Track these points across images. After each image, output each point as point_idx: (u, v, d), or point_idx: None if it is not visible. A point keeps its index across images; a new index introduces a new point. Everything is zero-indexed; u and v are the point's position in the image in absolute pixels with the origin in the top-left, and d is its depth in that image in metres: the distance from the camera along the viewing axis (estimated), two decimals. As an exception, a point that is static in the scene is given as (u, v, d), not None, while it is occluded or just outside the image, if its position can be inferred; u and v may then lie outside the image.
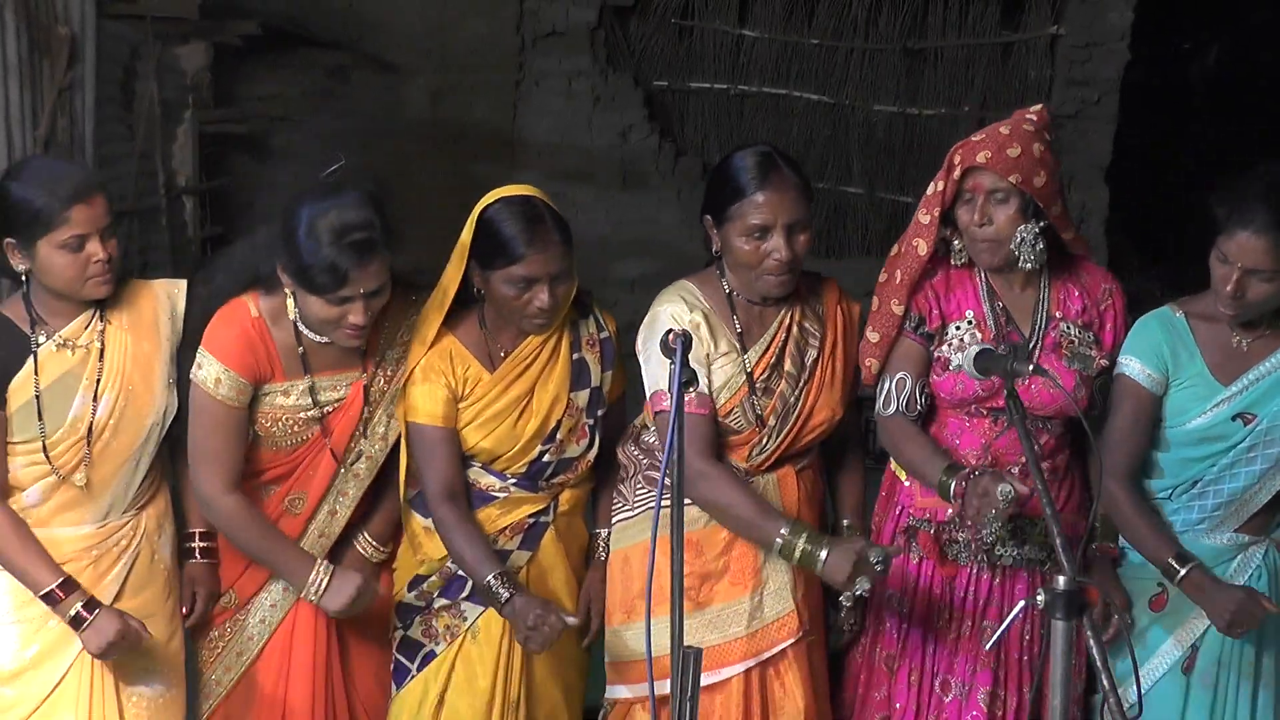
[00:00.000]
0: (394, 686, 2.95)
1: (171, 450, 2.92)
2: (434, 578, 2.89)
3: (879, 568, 2.62)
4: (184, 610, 2.93)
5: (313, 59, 7.03)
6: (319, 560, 2.84)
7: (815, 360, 2.85)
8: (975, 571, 2.87)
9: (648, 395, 2.83)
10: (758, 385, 2.80)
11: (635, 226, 6.92)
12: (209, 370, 2.77)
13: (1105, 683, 2.07)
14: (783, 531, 2.68)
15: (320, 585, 2.80)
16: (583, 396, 2.89)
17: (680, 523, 2.32)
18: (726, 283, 2.85)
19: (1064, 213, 2.80)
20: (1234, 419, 2.80)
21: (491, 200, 2.78)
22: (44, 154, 4.56)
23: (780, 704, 2.83)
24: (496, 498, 2.88)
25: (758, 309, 2.85)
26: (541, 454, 2.86)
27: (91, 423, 2.74)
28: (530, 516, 2.90)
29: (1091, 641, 2.12)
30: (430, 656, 2.90)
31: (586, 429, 2.90)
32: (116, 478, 2.80)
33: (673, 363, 2.32)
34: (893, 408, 2.85)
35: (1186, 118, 8.36)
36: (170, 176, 5.88)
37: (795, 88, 7.19)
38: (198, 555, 2.95)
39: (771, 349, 2.83)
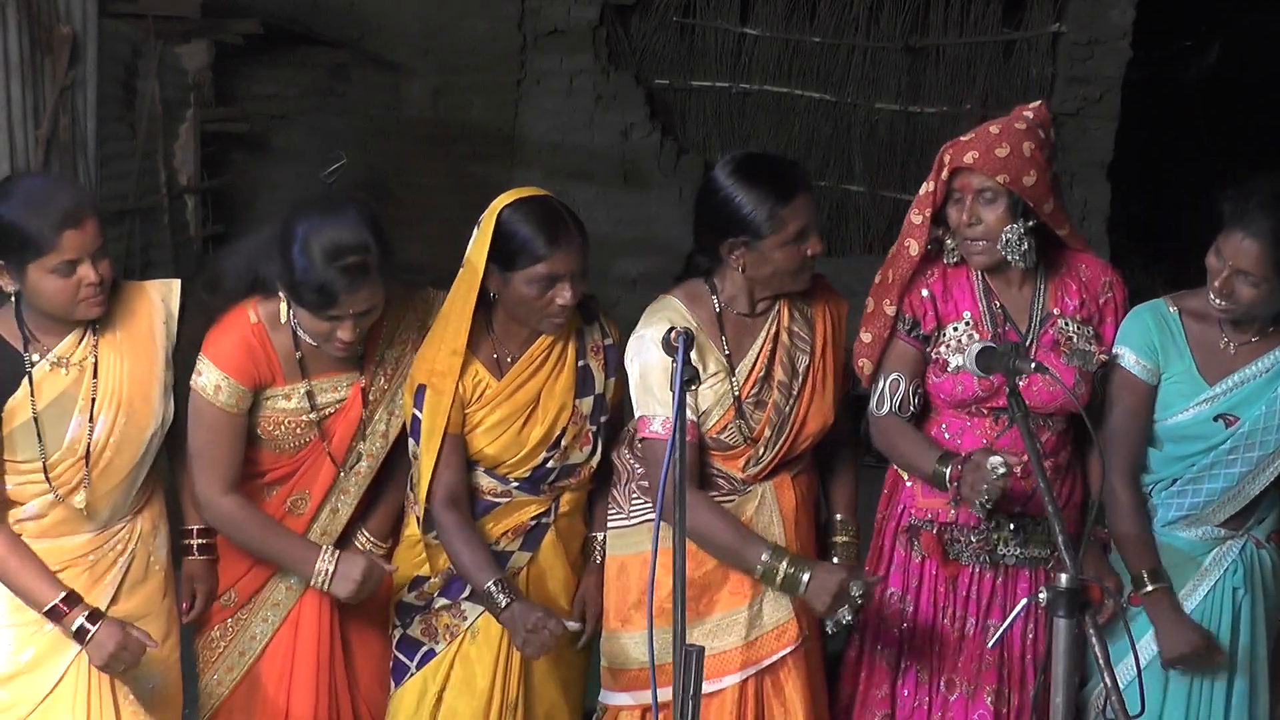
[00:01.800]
0: (393, 684, 2.95)
1: (169, 450, 2.90)
2: (434, 578, 2.89)
3: (859, 599, 2.64)
4: (185, 606, 2.92)
5: (314, 58, 7.04)
6: (324, 548, 2.82)
7: (807, 367, 2.82)
8: (978, 571, 2.86)
9: (635, 417, 2.84)
10: (747, 403, 2.79)
11: (636, 225, 6.93)
12: (209, 377, 2.75)
13: (1107, 681, 2.06)
14: (763, 557, 2.68)
15: (327, 572, 2.78)
16: (587, 403, 2.87)
17: (683, 526, 2.31)
18: (718, 297, 2.82)
19: (1057, 209, 2.78)
20: (1216, 419, 2.80)
21: (507, 202, 2.76)
22: (44, 161, 4.57)
23: (779, 714, 2.83)
24: (499, 503, 2.88)
25: (746, 320, 2.83)
26: (546, 460, 2.85)
27: (89, 443, 2.70)
28: (532, 519, 2.89)
29: (1094, 640, 2.12)
30: (430, 655, 2.89)
31: (590, 436, 2.88)
32: (118, 490, 2.78)
33: (674, 361, 2.32)
34: (886, 408, 2.84)
35: (1188, 115, 8.37)
36: (172, 175, 5.89)
37: (797, 86, 7.20)
38: (195, 552, 2.92)
39: (760, 361, 2.81)
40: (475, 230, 2.79)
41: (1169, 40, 8.14)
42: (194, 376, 2.76)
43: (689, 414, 2.71)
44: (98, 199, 5.03)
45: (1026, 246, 2.74)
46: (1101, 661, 2.09)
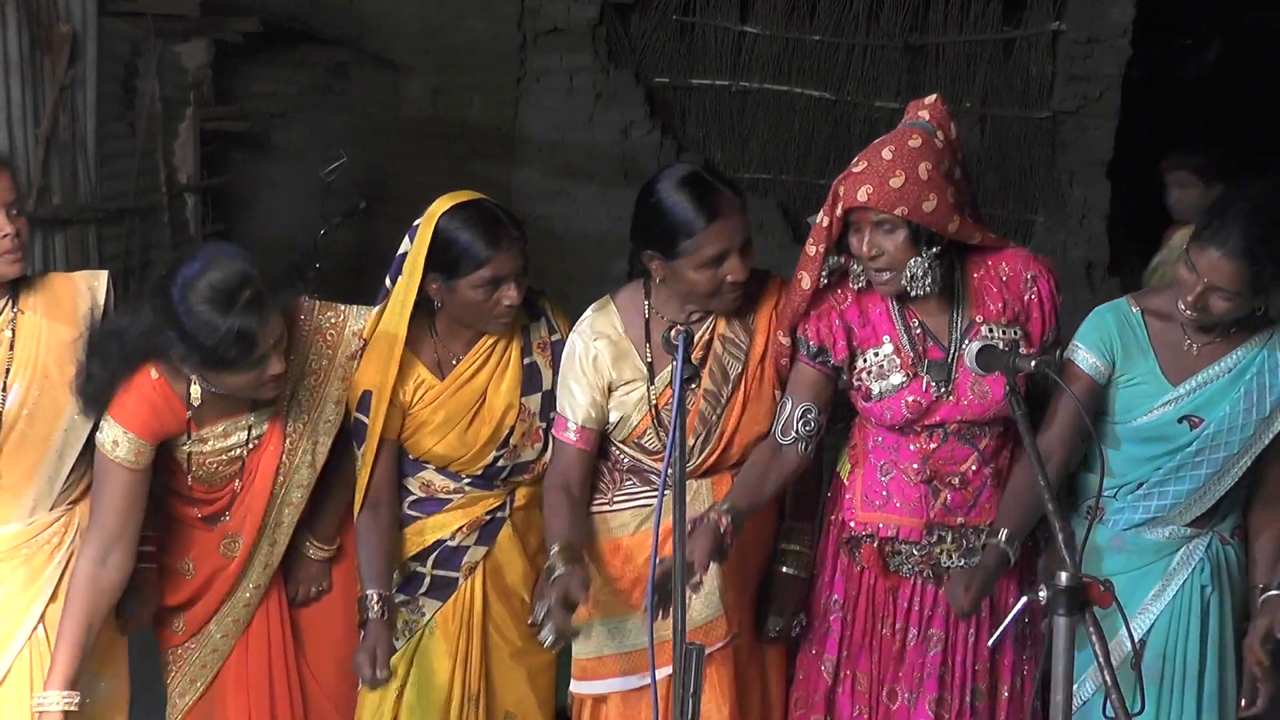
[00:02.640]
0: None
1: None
2: (394, 574, 2.91)
3: (577, 596, 2.59)
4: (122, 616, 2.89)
5: (313, 56, 7.04)
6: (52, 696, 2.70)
7: (739, 374, 2.78)
8: (920, 583, 2.83)
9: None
10: (664, 412, 2.76)
11: (636, 223, 6.93)
12: (107, 433, 2.67)
13: (1106, 679, 2.06)
14: (552, 550, 2.70)
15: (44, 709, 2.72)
16: (535, 401, 2.87)
17: (682, 520, 2.32)
18: (649, 302, 2.79)
19: (963, 222, 2.63)
20: (1180, 421, 2.77)
21: (442, 210, 2.76)
22: (43, 160, 4.56)
23: (706, 708, 2.82)
24: (452, 499, 2.90)
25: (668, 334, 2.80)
26: (496, 459, 2.87)
27: (1, 412, 2.69)
28: (487, 513, 2.92)
29: (1093, 638, 2.11)
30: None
31: (540, 433, 2.89)
32: (38, 470, 2.75)
33: (674, 358, 2.32)
34: (790, 438, 2.75)
35: (1188, 114, 8.36)
36: (171, 173, 5.88)
37: (796, 84, 7.19)
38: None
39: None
40: (408, 238, 2.78)
41: (1169, 38, 8.14)
42: (98, 433, 2.72)
43: (581, 419, 2.76)
44: (98, 198, 5.05)
45: (932, 278, 2.65)
46: (1101, 660, 2.09)
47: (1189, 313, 2.68)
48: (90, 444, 2.79)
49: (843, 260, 2.72)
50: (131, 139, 5.49)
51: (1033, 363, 2.46)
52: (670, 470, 2.67)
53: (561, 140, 7.05)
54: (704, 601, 2.77)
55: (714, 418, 2.77)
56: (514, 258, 2.74)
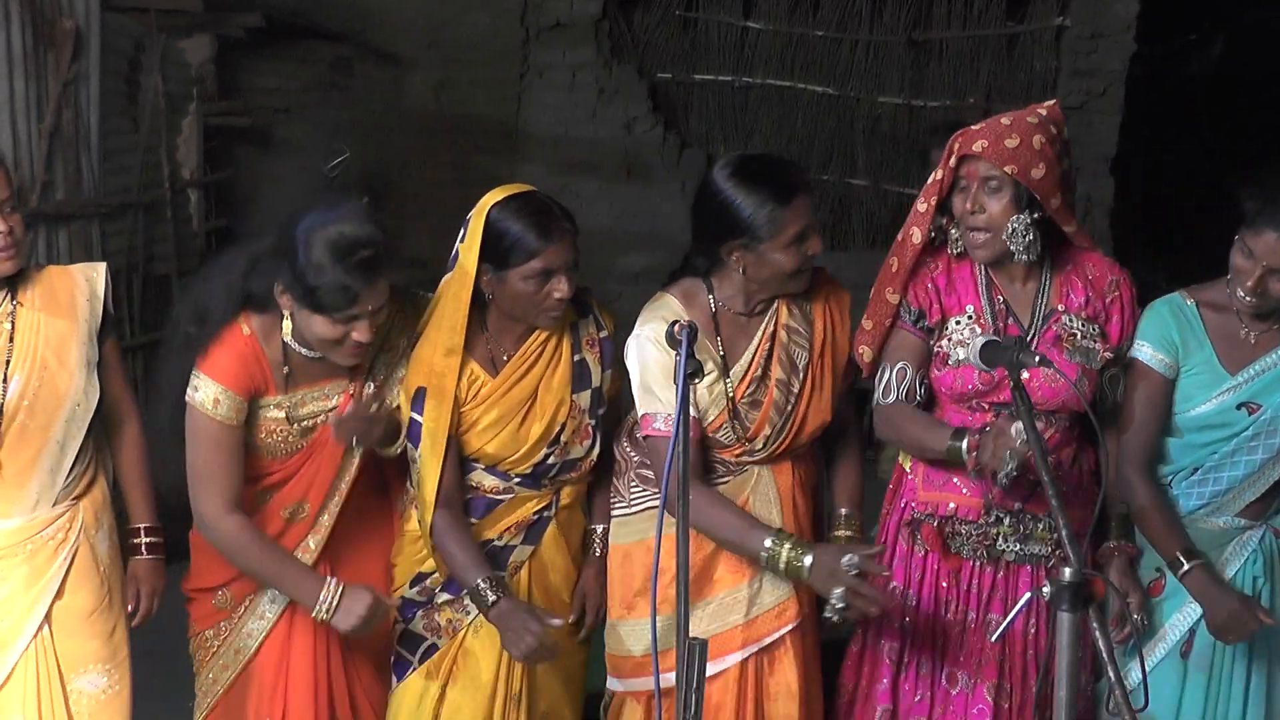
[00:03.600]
0: (394, 679, 2.95)
1: (105, 442, 2.88)
2: (436, 574, 2.89)
3: (852, 572, 2.60)
4: (129, 608, 2.89)
5: (316, 51, 7.03)
6: (329, 579, 2.76)
7: (807, 364, 2.82)
8: (978, 566, 2.87)
9: (638, 416, 2.83)
10: (741, 404, 2.79)
11: (639, 219, 6.91)
12: (206, 391, 2.70)
13: (1111, 674, 2.06)
14: (766, 544, 2.67)
15: (331, 604, 2.73)
16: (585, 397, 2.87)
17: (686, 516, 2.32)
18: (713, 296, 2.81)
19: (1064, 206, 2.73)
20: (1238, 408, 2.81)
21: (494, 201, 2.76)
22: (47, 155, 4.57)
23: (775, 691, 2.84)
24: (501, 500, 2.89)
25: (743, 319, 2.83)
26: (546, 456, 2.86)
27: (1, 404, 2.70)
28: (534, 513, 2.91)
29: (1097, 633, 2.12)
30: (432, 650, 2.90)
31: (589, 430, 2.89)
32: (40, 462, 2.75)
33: (677, 354, 2.32)
34: (893, 396, 2.83)
35: (1191, 109, 8.36)
36: (175, 169, 5.87)
37: (800, 80, 7.18)
38: (144, 551, 2.92)
39: (755, 361, 2.81)
40: (463, 230, 2.78)
41: (1173, 35, 8.13)
42: (190, 392, 2.72)
43: (692, 410, 2.71)
44: (102, 193, 5.05)
45: (1031, 238, 2.73)
46: (1105, 656, 2.09)
47: (1248, 299, 2.73)
48: (89, 437, 2.79)
49: (944, 223, 2.80)
50: (135, 134, 5.49)
51: (1036, 358, 2.47)
52: (743, 458, 2.73)
53: (564, 136, 7.04)
54: (773, 583, 2.80)
55: (789, 406, 2.80)
56: (565, 250, 2.74)
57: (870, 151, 7.21)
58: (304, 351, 2.76)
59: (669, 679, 2.74)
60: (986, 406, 2.81)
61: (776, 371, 2.80)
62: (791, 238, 2.70)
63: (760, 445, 2.80)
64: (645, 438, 2.80)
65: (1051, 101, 2.83)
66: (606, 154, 7.02)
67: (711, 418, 2.79)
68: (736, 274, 2.78)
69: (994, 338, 2.66)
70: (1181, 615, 2.85)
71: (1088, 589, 2.12)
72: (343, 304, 2.62)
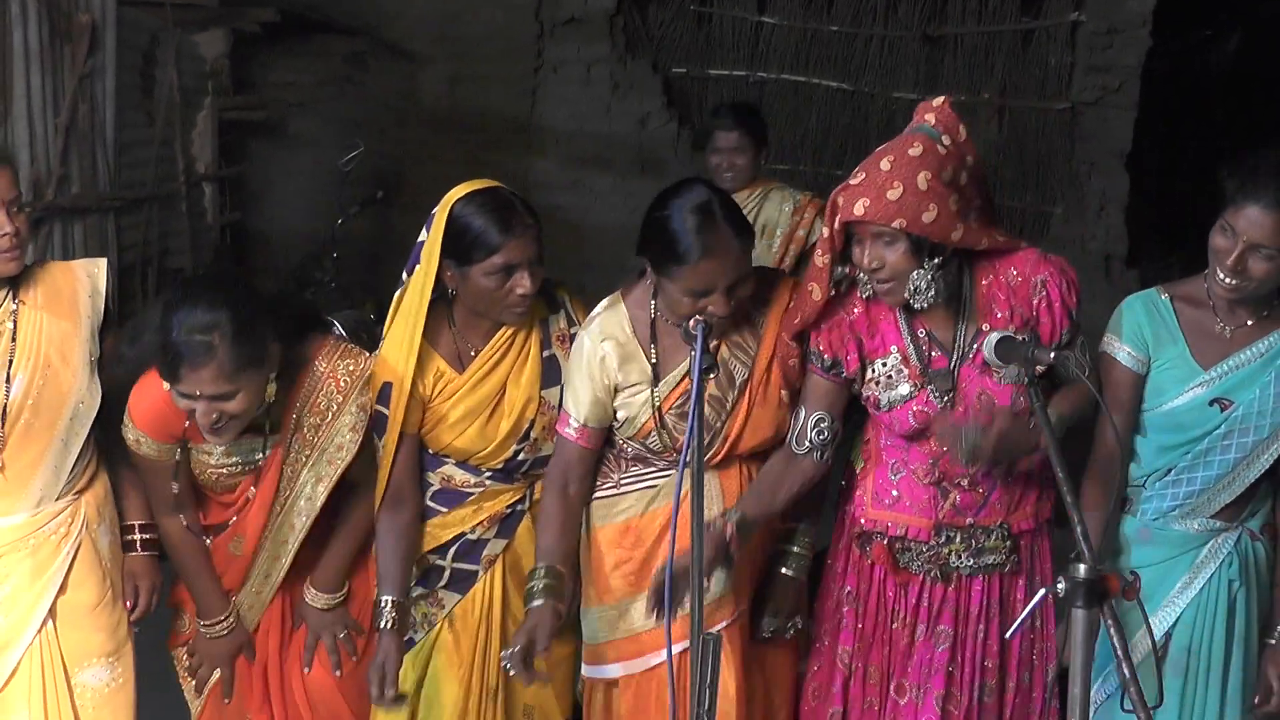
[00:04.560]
0: None
1: (103, 441, 2.88)
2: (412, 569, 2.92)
3: (541, 645, 2.66)
4: (128, 604, 2.91)
5: (330, 46, 7.05)
6: (231, 609, 2.91)
7: (745, 380, 2.75)
8: (929, 580, 2.82)
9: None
10: (669, 414, 2.75)
11: (653, 214, 6.92)
12: (130, 432, 2.77)
13: (1126, 671, 2.05)
14: (538, 571, 2.76)
15: (215, 635, 2.92)
16: (554, 394, 2.85)
17: (700, 508, 2.31)
18: (655, 305, 2.76)
19: (970, 229, 2.58)
20: (1211, 404, 2.75)
21: (457, 197, 2.76)
22: (63, 149, 4.58)
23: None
24: (472, 493, 2.90)
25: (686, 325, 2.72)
26: (517, 453, 2.87)
27: (5, 404, 2.70)
28: (507, 506, 2.91)
29: (1112, 632, 2.10)
30: (409, 644, 2.91)
31: None
32: (44, 460, 2.76)
33: (692, 348, 2.31)
34: (804, 448, 2.76)
35: (1207, 106, 8.32)
36: (190, 163, 5.90)
37: (814, 75, 7.17)
38: (139, 548, 2.94)
39: (689, 376, 2.73)
40: (426, 227, 2.78)
41: (1189, 30, 8.09)
42: (123, 428, 2.78)
43: (583, 418, 2.76)
44: (117, 186, 5.07)
45: (934, 290, 2.61)
46: (1120, 653, 2.08)
47: (1228, 280, 2.66)
48: (91, 432, 2.80)
49: (848, 270, 2.69)
50: (150, 128, 5.52)
51: (1051, 354, 2.44)
52: (689, 459, 2.72)
53: (579, 130, 7.04)
54: (714, 580, 2.75)
55: (719, 423, 2.76)
56: (527, 245, 2.73)
57: (884, 147, 7.19)
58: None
59: (636, 665, 2.84)
60: (929, 435, 2.72)
61: (711, 388, 2.74)
62: (689, 289, 2.61)
63: (689, 457, 2.76)
64: (557, 434, 2.83)
65: (939, 100, 2.67)
66: (620, 149, 7.02)
67: (637, 426, 2.77)
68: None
69: (1008, 334, 2.62)
70: (1156, 620, 2.82)
71: (1102, 585, 2.10)
72: (168, 376, 2.61)
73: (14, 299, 2.73)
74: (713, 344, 2.74)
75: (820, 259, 2.66)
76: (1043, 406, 2.36)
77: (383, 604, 2.83)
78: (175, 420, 2.73)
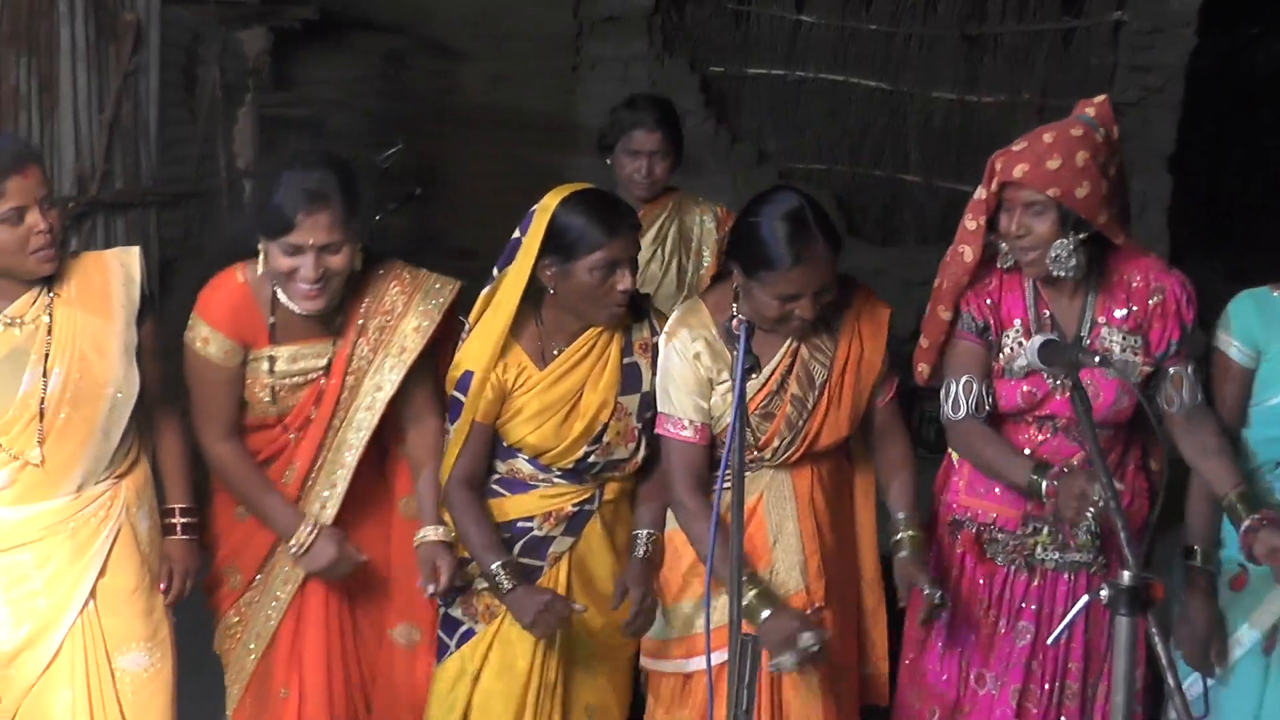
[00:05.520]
0: (436, 663, 3.00)
1: (144, 425, 2.92)
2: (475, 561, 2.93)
3: (814, 647, 2.63)
4: (162, 586, 2.94)
5: (370, 43, 7.07)
6: (309, 520, 2.88)
7: (825, 381, 2.85)
8: (1013, 572, 2.87)
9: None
10: (754, 415, 2.83)
11: (690, 213, 6.90)
12: (197, 330, 2.83)
13: (1170, 681, 2.04)
14: (748, 590, 2.72)
15: (305, 544, 2.87)
16: (632, 401, 2.92)
17: (740, 506, 2.35)
18: (738, 307, 2.85)
19: (1113, 219, 2.70)
20: None
21: (561, 197, 2.84)
22: (107, 146, 4.62)
23: (788, 681, 2.85)
24: (538, 486, 2.94)
25: (765, 334, 2.84)
26: (588, 455, 2.91)
27: (44, 398, 2.73)
28: (574, 505, 2.95)
29: (1156, 639, 2.09)
30: (469, 635, 2.95)
31: (635, 432, 2.93)
32: (85, 451, 2.78)
33: (734, 350, 2.34)
34: (962, 412, 2.82)
35: (1253, 106, 8.21)
36: (231, 159, 5.93)
37: (852, 74, 7.14)
38: (179, 531, 2.96)
39: (774, 377, 2.84)
40: (525, 224, 2.85)
41: (1235, 28, 7.99)
42: (186, 332, 2.85)
43: (698, 416, 2.82)
44: (159, 182, 5.11)
45: (1075, 262, 2.70)
46: (1165, 662, 2.06)
47: None
48: (133, 418, 2.83)
49: (991, 239, 2.79)
50: (192, 125, 5.55)
51: (1096, 358, 2.45)
52: (760, 463, 2.76)
53: (616, 128, 7.03)
54: (785, 576, 2.83)
55: (800, 422, 2.83)
56: (629, 244, 2.82)
57: (923, 147, 7.15)
58: (290, 305, 2.84)
59: (688, 664, 2.88)
60: (1031, 420, 2.82)
61: (793, 387, 2.83)
62: (780, 294, 2.71)
63: (769, 455, 2.85)
64: (658, 435, 2.88)
65: (1100, 98, 2.79)
66: (658, 147, 7.01)
67: (724, 424, 2.82)
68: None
69: (1051, 337, 2.64)
70: (1263, 612, 2.82)
71: (1146, 593, 2.09)
72: (279, 227, 2.72)
73: (49, 292, 2.75)
74: (792, 345, 2.85)
75: (972, 222, 2.78)
76: (1087, 411, 2.38)
77: (495, 573, 2.82)
78: (248, 315, 2.83)
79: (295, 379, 2.88)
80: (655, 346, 2.93)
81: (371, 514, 3.05)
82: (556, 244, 2.80)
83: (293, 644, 3.00)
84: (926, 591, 2.73)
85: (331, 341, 2.90)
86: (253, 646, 3.00)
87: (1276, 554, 2.62)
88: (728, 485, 2.80)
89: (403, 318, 2.90)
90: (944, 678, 2.93)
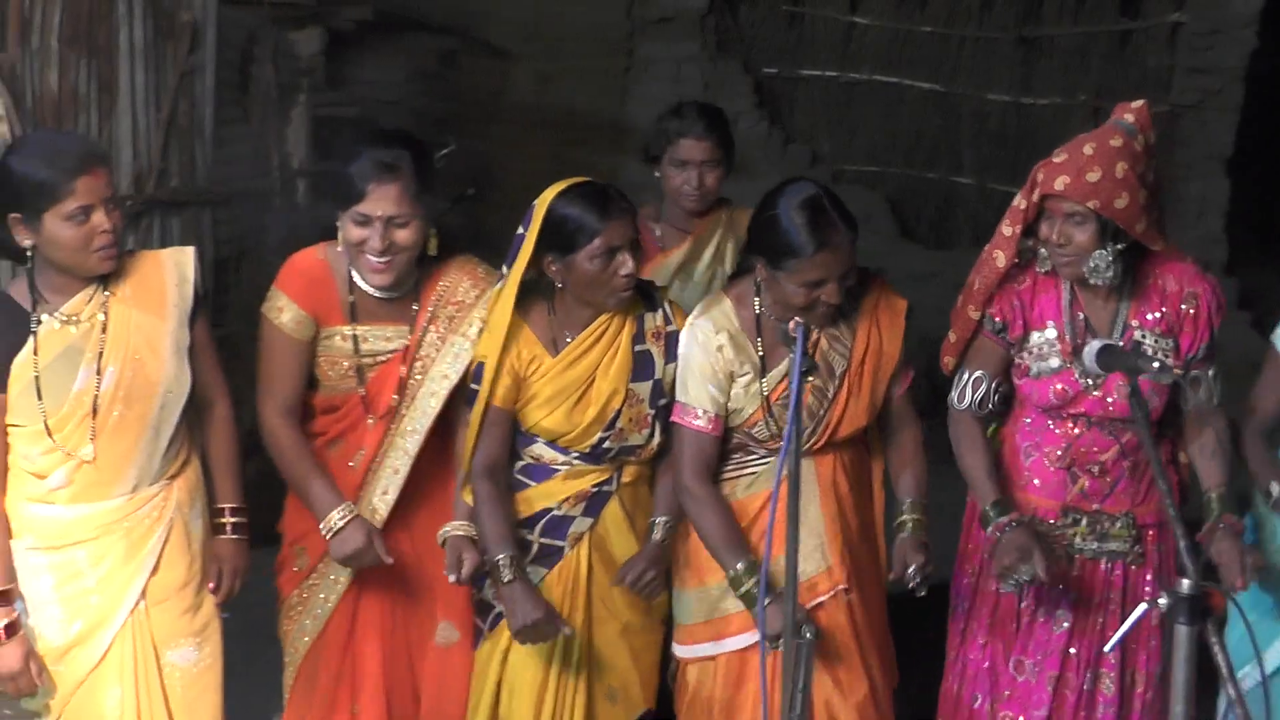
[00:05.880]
0: (474, 649, 3.06)
1: (196, 425, 2.94)
2: None
3: (809, 635, 2.62)
4: (211, 586, 2.94)
5: (422, 44, 7.11)
6: (343, 505, 2.91)
7: (844, 371, 2.88)
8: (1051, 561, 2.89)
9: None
10: (776, 404, 2.87)
11: (741, 214, 6.89)
12: (273, 300, 2.91)
13: (1231, 692, 2.00)
14: (737, 566, 2.79)
15: (334, 528, 2.89)
16: (645, 388, 2.95)
17: (796, 497, 2.36)
18: (759, 301, 2.89)
19: (1150, 226, 2.76)
20: None
21: (553, 194, 2.90)
22: (163, 144, 4.68)
23: (823, 660, 2.85)
24: (559, 470, 2.99)
25: (783, 325, 2.85)
26: (602, 440, 2.95)
27: (96, 395, 2.74)
28: (594, 485, 2.99)
29: (1216, 649, 2.06)
30: (500, 618, 2.97)
31: (648, 419, 2.97)
32: (138, 449, 2.80)
33: (791, 351, 2.33)
34: (965, 403, 2.92)
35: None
36: (284, 158, 5.98)
37: (906, 76, 7.10)
38: (229, 531, 2.98)
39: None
40: (524, 223, 2.92)
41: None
42: (265, 303, 2.94)
43: (713, 407, 2.86)
44: (213, 181, 5.17)
45: (1113, 272, 2.77)
46: (1225, 672, 2.03)
47: None
48: (184, 418, 2.86)
49: (1030, 244, 2.87)
50: (246, 124, 5.60)
51: (1155, 364, 2.43)
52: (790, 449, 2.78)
53: (667, 130, 7.03)
54: (807, 560, 2.84)
55: (821, 411, 2.87)
56: (626, 227, 2.86)
57: (977, 150, 7.10)
58: (366, 288, 2.91)
59: (736, 641, 2.89)
60: (1065, 416, 2.87)
61: (813, 379, 2.86)
62: (806, 281, 2.75)
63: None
64: (672, 422, 2.92)
65: (1139, 103, 2.83)
66: (709, 149, 7.00)
67: (746, 415, 2.87)
68: (775, 283, 2.84)
69: (1110, 342, 2.65)
70: None
71: (1205, 602, 2.07)
72: (349, 196, 2.79)
73: (104, 291, 2.79)
74: (813, 337, 2.88)
75: (1009, 229, 2.86)
76: (1145, 416, 2.40)
77: (499, 563, 2.88)
78: (323, 290, 2.92)
79: (365, 359, 2.95)
80: (668, 334, 2.98)
81: (430, 507, 3.07)
82: (556, 239, 2.86)
83: (348, 634, 3.03)
84: (910, 569, 2.79)
85: (402, 326, 2.96)
86: (308, 624, 3.03)
87: (1223, 555, 2.70)
88: (734, 475, 2.92)
89: (473, 308, 2.98)
90: (985, 665, 2.98)
